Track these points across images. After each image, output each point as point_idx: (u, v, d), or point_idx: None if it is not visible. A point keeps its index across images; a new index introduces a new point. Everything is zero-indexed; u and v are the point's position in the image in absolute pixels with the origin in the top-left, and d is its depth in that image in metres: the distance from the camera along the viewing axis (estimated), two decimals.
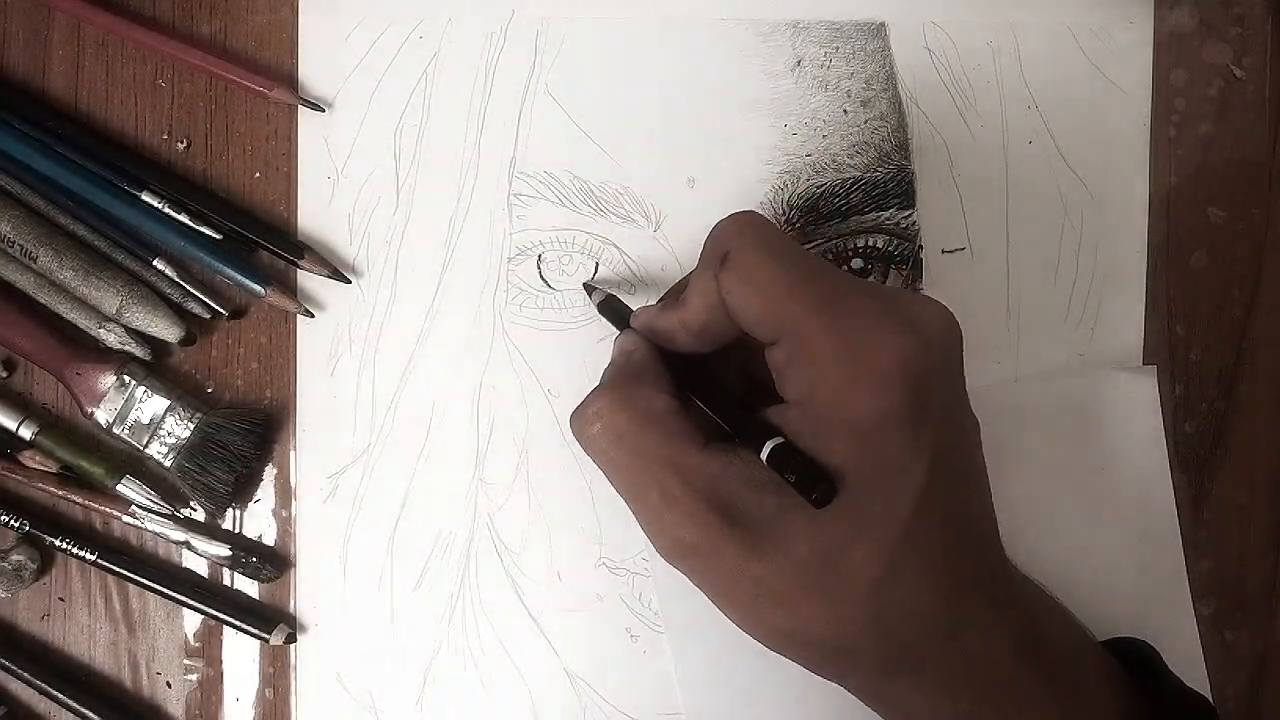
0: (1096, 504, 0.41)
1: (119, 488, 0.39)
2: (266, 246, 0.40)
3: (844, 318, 0.30)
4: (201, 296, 0.40)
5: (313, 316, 0.40)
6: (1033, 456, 0.40)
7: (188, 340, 0.39)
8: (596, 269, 0.40)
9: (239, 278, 0.39)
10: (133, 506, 0.40)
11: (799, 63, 0.41)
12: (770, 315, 0.30)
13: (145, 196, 0.39)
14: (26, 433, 0.39)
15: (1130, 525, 0.41)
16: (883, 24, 0.41)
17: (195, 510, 0.41)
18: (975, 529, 0.31)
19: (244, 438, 0.39)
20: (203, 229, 0.39)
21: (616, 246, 0.40)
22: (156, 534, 0.40)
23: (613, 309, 0.38)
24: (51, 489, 0.40)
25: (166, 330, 0.39)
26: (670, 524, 0.31)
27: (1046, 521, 0.40)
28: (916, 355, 0.29)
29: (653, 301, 0.41)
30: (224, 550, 0.40)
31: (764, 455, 0.30)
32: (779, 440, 0.30)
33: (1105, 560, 0.40)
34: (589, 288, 0.40)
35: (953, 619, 0.30)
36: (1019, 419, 0.40)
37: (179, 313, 0.40)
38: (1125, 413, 0.40)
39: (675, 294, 0.35)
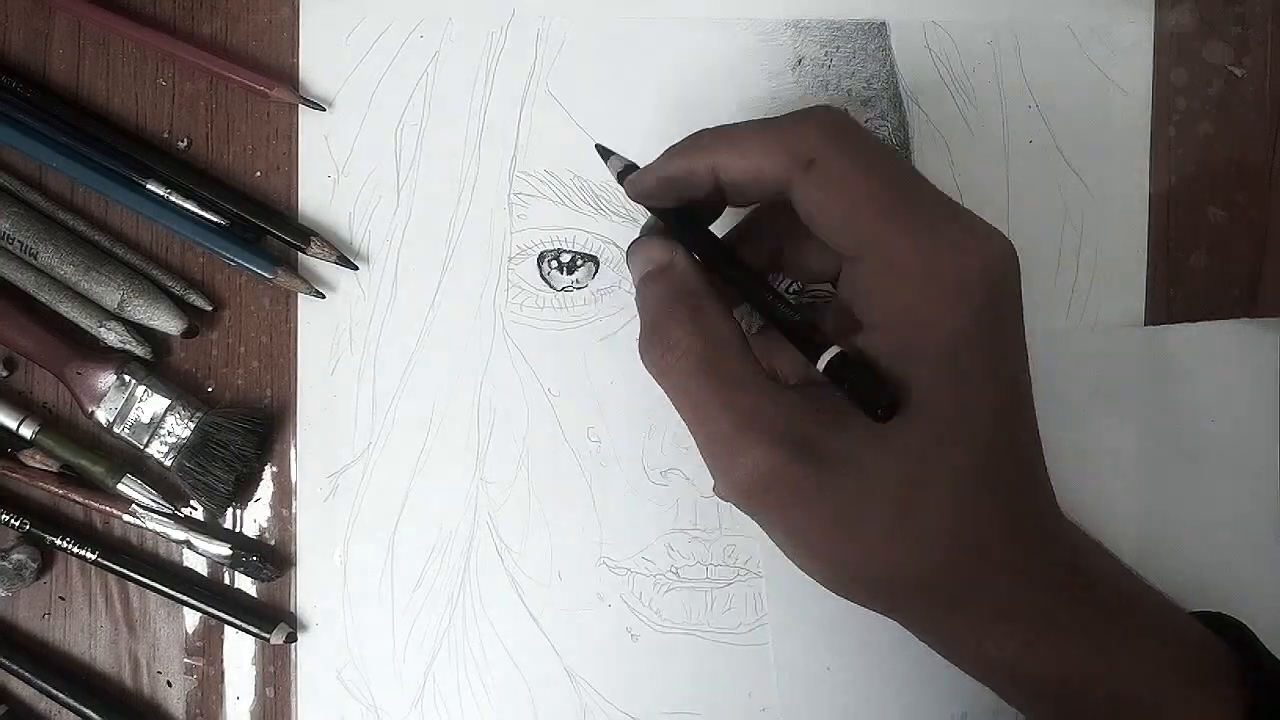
0: (1197, 456, 0.40)
1: (119, 487, 0.39)
2: (272, 232, 0.40)
3: (931, 233, 0.29)
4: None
5: (323, 297, 0.40)
6: (1135, 405, 0.40)
7: (190, 332, 0.39)
8: (597, 267, 0.41)
9: (247, 262, 0.39)
10: (133, 506, 0.40)
11: (800, 62, 0.41)
12: (857, 231, 0.30)
13: (151, 185, 0.40)
14: (27, 432, 0.39)
15: (1231, 479, 0.40)
16: (883, 23, 0.41)
17: (195, 509, 0.41)
18: (1032, 456, 0.31)
19: (244, 437, 0.39)
20: (209, 215, 0.39)
21: (617, 246, 0.40)
22: (157, 533, 0.40)
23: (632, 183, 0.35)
24: (52, 488, 0.40)
25: (168, 322, 0.39)
26: (745, 456, 0.30)
27: (1150, 471, 0.40)
28: (996, 265, 0.29)
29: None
30: (224, 549, 0.40)
31: (821, 366, 0.29)
32: (836, 351, 0.29)
33: (1203, 515, 0.40)
34: (604, 151, 0.37)
35: (1015, 550, 0.30)
36: (1125, 366, 0.40)
37: (180, 305, 0.40)
38: (1239, 365, 0.40)
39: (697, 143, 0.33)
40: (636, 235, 0.35)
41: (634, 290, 0.34)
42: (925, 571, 0.30)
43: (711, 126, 0.32)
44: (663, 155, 0.33)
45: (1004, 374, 0.30)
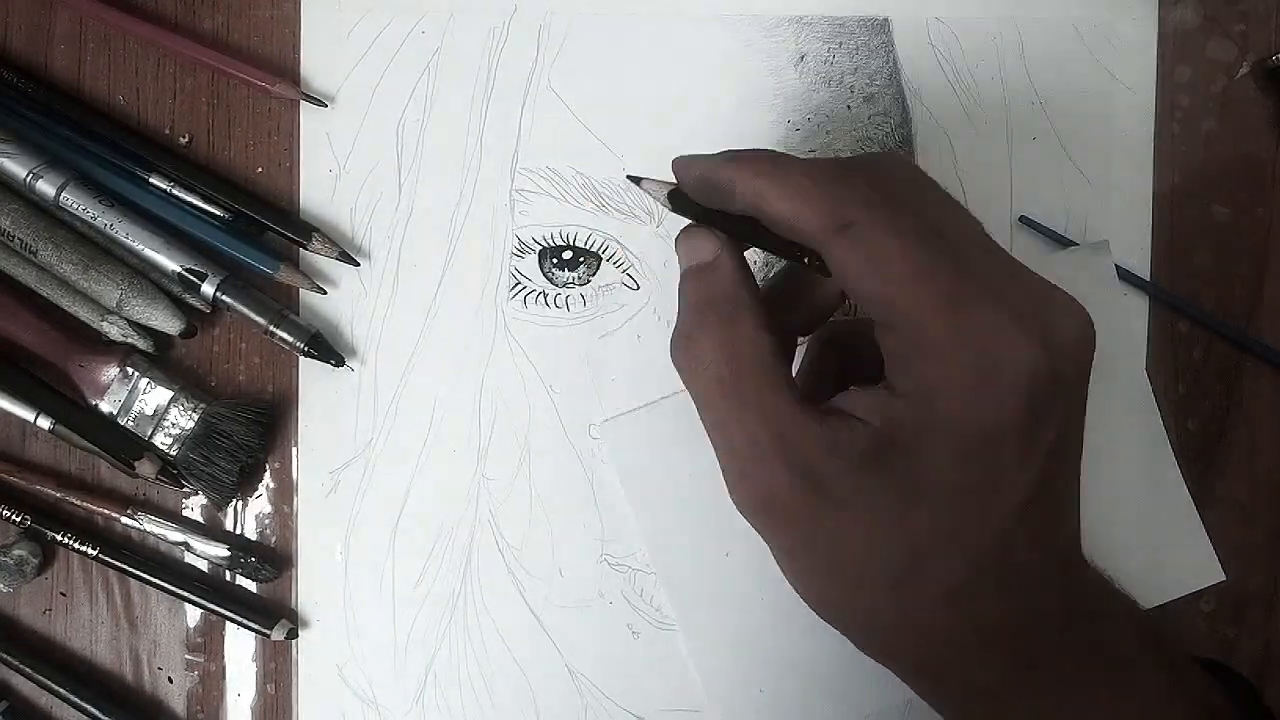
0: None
1: (138, 464, 0.39)
2: (274, 229, 0.40)
3: (973, 322, 0.27)
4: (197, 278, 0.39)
5: (325, 293, 0.40)
6: None
7: (188, 332, 0.39)
8: (599, 264, 0.40)
9: (250, 258, 0.39)
10: (130, 508, 0.40)
11: (802, 58, 0.41)
12: (890, 303, 0.28)
13: (154, 180, 0.40)
14: (44, 423, 0.39)
15: (1111, 407, 0.40)
16: (886, 19, 0.41)
17: (199, 496, 0.41)
18: (1061, 547, 0.30)
19: (248, 427, 0.39)
20: (213, 210, 0.40)
21: (618, 242, 0.40)
22: (156, 535, 0.40)
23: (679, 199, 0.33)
24: (50, 490, 0.40)
25: (166, 322, 0.39)
26: (755, 477, 0.30)
27: None
28: (1045, 369, 0.27)
29: (657, 297, 0.41)
30: (222, 550, 0.40)
31: None
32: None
33: (1089, 447, 0.40)
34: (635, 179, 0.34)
35: (1017, 641, 0.29)
36: None
37: (179, 305, 0.40)
38: (1086, 291, 0.40)
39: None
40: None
41: (677, 278, 0.33)
42: (908, 647, 0.30)
43: (777, 152, 0.31)
44: (719, 155, 0.31)
45: (1037, 469, 0.28)
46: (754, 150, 0.31)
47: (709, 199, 0.32)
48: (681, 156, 0.32)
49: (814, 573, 0.30)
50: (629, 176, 0.34)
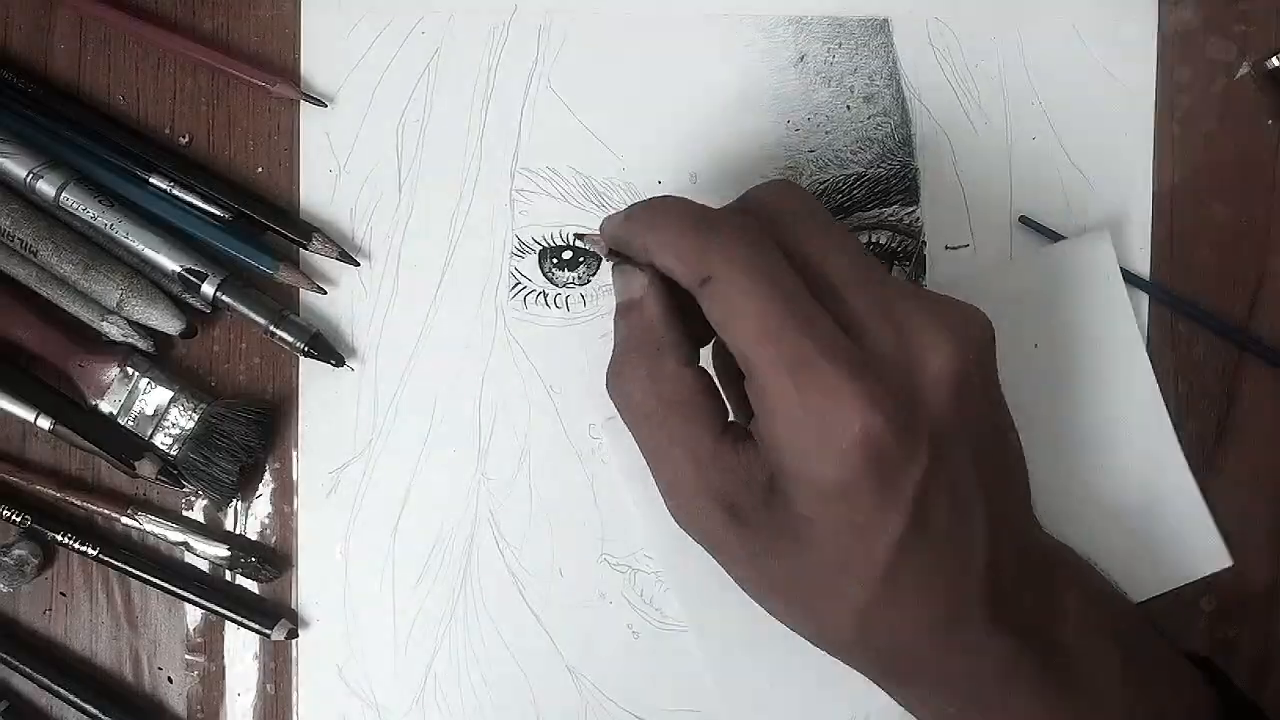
0: (1076, 379, 0.40)
1: (139, 464, 0.39)
2: (274, 229, 0.40)
3: (810, 385, 0.28)
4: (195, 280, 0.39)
5: (325, 293, 0.40)
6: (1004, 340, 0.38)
7: (189, 332, 0.39)
8: (599, 264, 0.41)
9: (250, 258, 0.39)
10: (130, 508, 0.40)
11: (802, 58, 0.41)
12: (744, 358, 0.29)
13: (154, 180, 0.39)
14: (45, 423, 0.39)
15: (1113, 395, 0.41)
16: (886, 20, 0.41)
17: (199, 496, 0.41)
18: (975, 561, 0.30)
19: (249, 428, 0.39)
20: (213, 210, 0.40)
21: None
22: (155, 535, 0.40)
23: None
24: (50, 490, 0.40)
25: (167, 323, 0.39)
26: (686, 507, 0.32)
27: (1028, 406, 0.38)
28: (883, 432, 0.28)
29: None
30: (222, 550, 0.40)
31: None
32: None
33: (1093, 434, 0.40)
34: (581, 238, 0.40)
35: (940, 645, 0.30)
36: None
37: (179, 305, 0.40)
38: (1088, 280, 0.40)
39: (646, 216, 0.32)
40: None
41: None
42: (834, 650, 0.32)
43: (668, 200, 0.32)
44: (624, 212, 0.33)
45: (905, 509, 0.28)
46: (647, 202, 0.33)
47: (627, 253, 0.33)
48: (608, 216, 0.34)
49: (751, 585, 0.32)
50: (575, 235, 0.39)
